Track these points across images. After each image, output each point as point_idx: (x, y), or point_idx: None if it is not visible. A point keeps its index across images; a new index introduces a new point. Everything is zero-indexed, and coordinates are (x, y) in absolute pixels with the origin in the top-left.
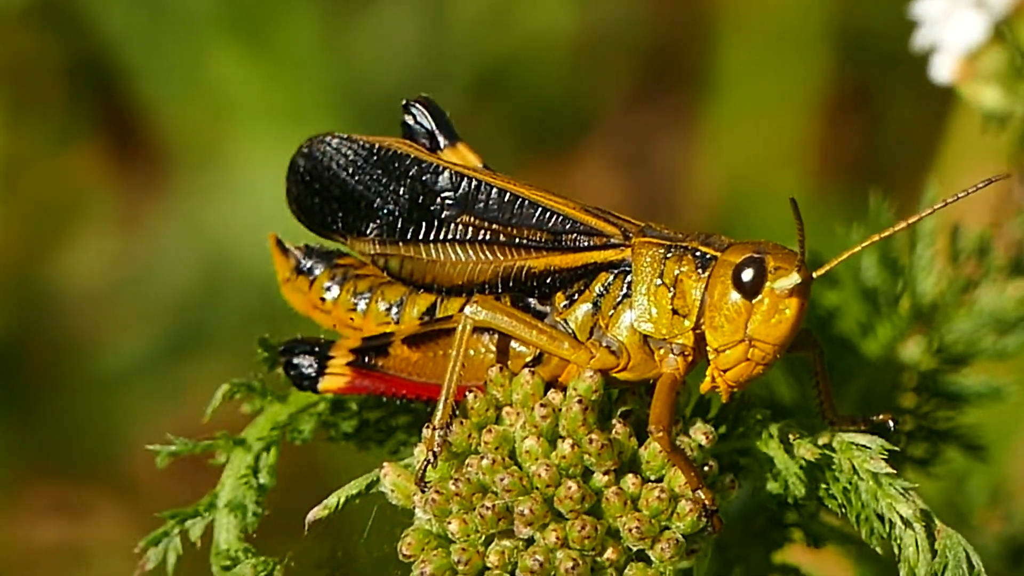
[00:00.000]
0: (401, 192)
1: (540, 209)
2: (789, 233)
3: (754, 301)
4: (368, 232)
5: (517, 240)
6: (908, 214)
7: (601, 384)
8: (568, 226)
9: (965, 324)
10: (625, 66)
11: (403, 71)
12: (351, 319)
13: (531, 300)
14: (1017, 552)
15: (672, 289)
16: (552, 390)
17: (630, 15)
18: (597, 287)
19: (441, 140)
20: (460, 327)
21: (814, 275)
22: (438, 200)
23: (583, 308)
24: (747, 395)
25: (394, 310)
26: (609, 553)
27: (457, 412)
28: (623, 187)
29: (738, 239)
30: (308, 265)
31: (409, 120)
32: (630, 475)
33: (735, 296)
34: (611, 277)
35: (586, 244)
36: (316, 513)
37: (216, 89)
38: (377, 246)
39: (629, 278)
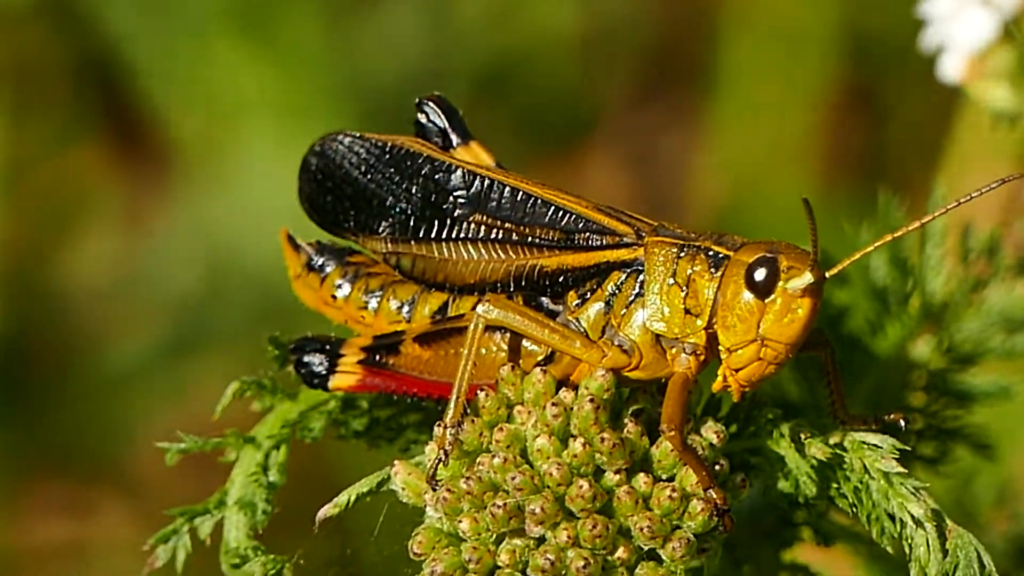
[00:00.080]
0: (413, 191)
1: (553, 208)
2: (794, 231)
3: (767, 301)
4: (380, 230)
5: (529, 239)
6: (915, 213)
7: (613, 383)
8: (581, 225)
9: (974, 323)
10: (630, 64)
11: (408, 69)
12: (362, 317)
13: (543, 299)
14: None
15: (685, 288)
16: (564, 389)
17: (635, 13)
18: (609, 286)
19: (454, 138)
20: (472, 326)
21: (826, 275)
22: (450, 199)
23: (595, 307)
24: (758, 394)
25: (406, 308)
26: (620, 552)
27: (469, 410)
28: (628, 185)
29: (745, 237)
30: (319, 262)
31: (422, 118)
32: (642, 474)
33: (748, 296)
34: (624, 276)
35: (599, 243)
36: (326, 511)
37: (220, 87)
38: (389, 244)
39: (642, 277)
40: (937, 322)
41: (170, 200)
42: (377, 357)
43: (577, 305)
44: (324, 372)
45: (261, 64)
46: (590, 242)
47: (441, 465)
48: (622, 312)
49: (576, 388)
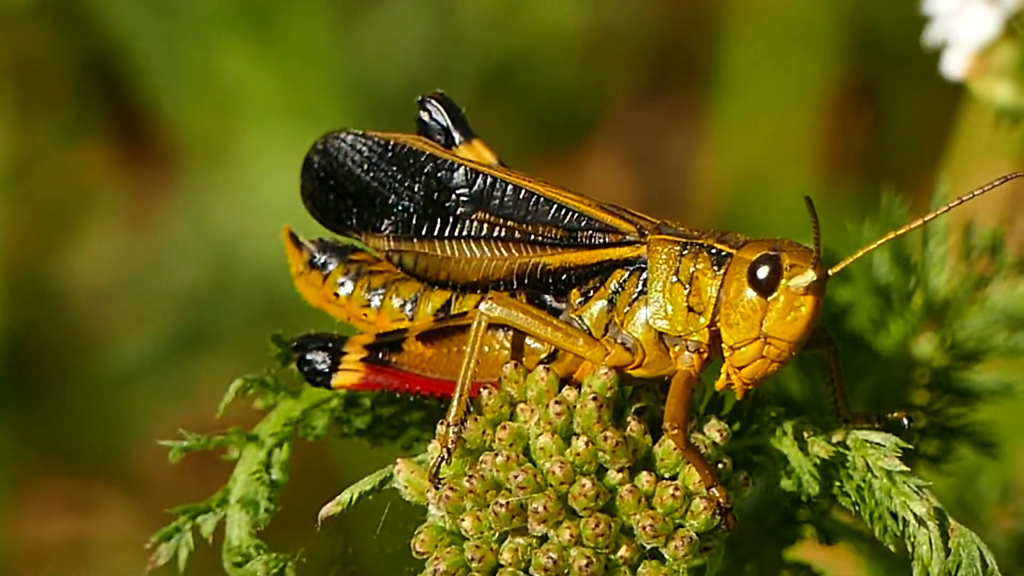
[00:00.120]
0: (416, 189)
1: (555, 206)
2: (797, 229)
3: (769, 299)
4: (383, 228)
5: (532, 237)
6: (919, 211)
7: (616, 381)
8: (583, 223)
9: (977, 321)
10: (633, 63)
11: (412, 68)
12: (365, 315)
13: (546, 297)
14: None
15: (688, 286)
16: (567, 387)
17: (638, 12)
18: (612, 284)
19: (456, 136)
20: (475, 323)
21: (829, 273)
22: (453, 197)
23: (598, 305)
24: (761, 392)
25: (408, 306)
26: (623, 551)
27: (471, 409)
28: (630, 184)
29: (747, 235)
30: (322, 260)
31: (424, 116)
32: (644, 472)
33: (751, 293)
34: (626, 274)
35: (602, 241)
36: (328, 509)
37: (224, 86)
38: (392, 242)
39: (644, 275)
40: (940, 320)
41: (173, 199)
42: (380, 355)
43: (580, 303)
44: (327, 370)
45: (265, 63)
46: (593, 240)
47: (444, 463)
48: (625, 310)
49: (579, 386)
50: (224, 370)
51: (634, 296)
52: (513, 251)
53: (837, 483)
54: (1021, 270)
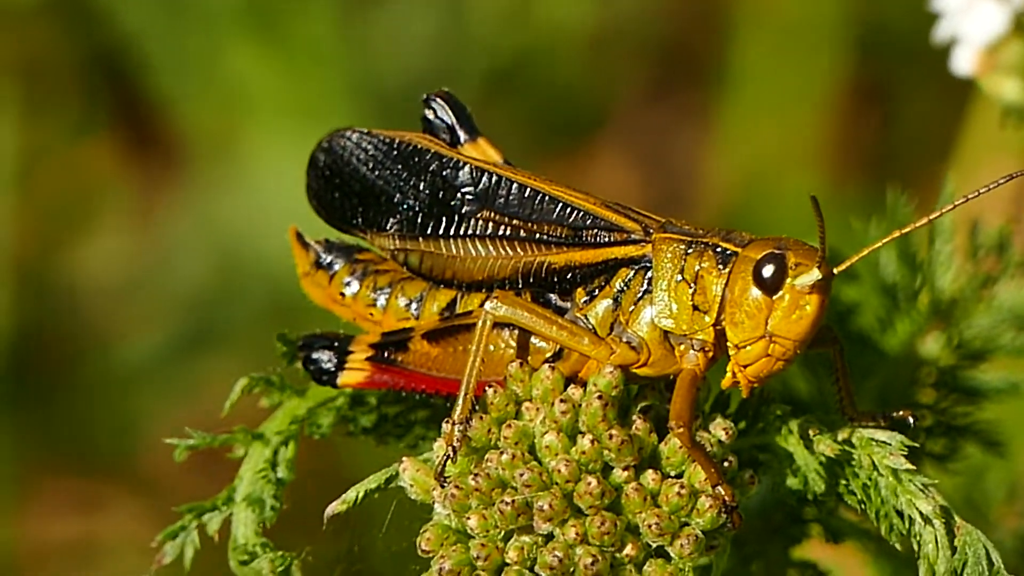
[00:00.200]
0: (421, 187)
1: (561, 205)
2: (804, 229)
3: (775, 297)
4: (388, 227)
5: (537, 236)
6: (926, 210)
7: (621, 380)
8: (588, 222)
9: (984, 320)
10: (641, 62)
11: (419, 66)
12: (370, 314)
13: (551, 296)
14: None
15: (693, 285)
16: (572, 386)
17: (646, 11)
18: (617, 283)
19: (461, 135)
20: (480, 322)
21: (835, 271)
22: (458, 195)
23: (603, 304)
24: (767, 391)
25: (414, 305)
26: (628, 549)
27: (477, 407)
28: (638, 183)
29: (753, 234)
30: (328, 260)
31: (429, 114)
32: (650, 471)
33: (756, 292)
34: (631, 273)
35: (607, 240)
36: (334, 508)
37: (232, 83)
38: (397, 241)
39: (649, 274)
40: (946, 318)
41: (182, 196)
42: (386, 354)
43: (585, 302)
44: (333, 369)
45: (273, 61)
46: (598, 239)
47: (449, 461)
48: (630, 309)
49: (584, 385)
50: (230, 369)
51: (639, 295)
52: (518, 250)
53: (843, 481)
54: None
